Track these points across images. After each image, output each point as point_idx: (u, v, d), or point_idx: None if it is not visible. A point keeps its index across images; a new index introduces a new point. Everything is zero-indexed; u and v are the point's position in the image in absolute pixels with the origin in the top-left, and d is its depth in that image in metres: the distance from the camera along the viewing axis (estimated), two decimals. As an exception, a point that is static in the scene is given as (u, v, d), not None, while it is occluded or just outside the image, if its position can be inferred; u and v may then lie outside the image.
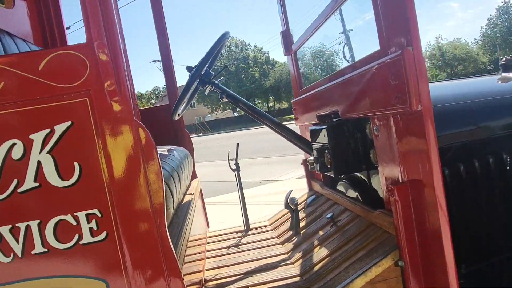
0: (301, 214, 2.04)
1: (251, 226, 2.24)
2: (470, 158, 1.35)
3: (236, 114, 60.38)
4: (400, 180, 1.20)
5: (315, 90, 1.91)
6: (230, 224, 3.94)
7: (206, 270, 1.69)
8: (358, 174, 1.79)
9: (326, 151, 1.64)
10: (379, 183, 1.54)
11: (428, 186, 1.07)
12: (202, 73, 1.89)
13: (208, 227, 2.49)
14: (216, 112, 59.11)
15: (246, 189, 6.86)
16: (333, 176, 1.66)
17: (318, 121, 1.89)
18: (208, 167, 10.99)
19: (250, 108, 1.95)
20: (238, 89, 50.86)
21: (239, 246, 1.94)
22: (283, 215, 2.17)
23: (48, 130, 0.89)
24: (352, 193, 1.76)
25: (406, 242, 1.16)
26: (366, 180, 1.70)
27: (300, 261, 1.56)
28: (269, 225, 2.22)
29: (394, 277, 1.21)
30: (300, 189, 4.56)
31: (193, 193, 1.91)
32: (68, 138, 0.90)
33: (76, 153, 0.91)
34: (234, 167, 2.20)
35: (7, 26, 1.80)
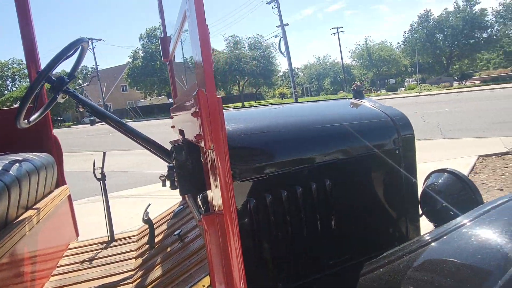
0: (164, 226, 2.03)
1: (118, 237, 2.19)
2: (293, 185, 1.44)
3: (171, 100, 58.65)
4: (212, 210, 1.24)
5: (178, 103, 1.90)
6: (138, 221, 3.86)
7: (43, 291, 1.61)
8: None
9: (174, 170, 1.64)
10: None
11: (227, 217, 1.12)
12: (55, 79, 1.77)
13: (77, 236, 2.38)
14: (150, 98, 56.88)
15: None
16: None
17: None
18: (132, 155, 10.59)
19: (111, 120, 1.88)
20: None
21: (93, 261, 1.88)
22: (146, 229, 2.15)
23: None
24: (201, 207, 1.79)
25: (214, 269, 1.21)
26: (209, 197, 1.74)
27: (139, 280, 1.55)
28: (136, 235, 2.19)
29: (204, 302, 1.25)
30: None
31: (41, 207, 1.80)
32: None
33: None
34: (99, 176, 2.12)
35: None
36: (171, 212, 2.20)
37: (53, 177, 2.11)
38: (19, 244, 1.46)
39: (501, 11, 47.23)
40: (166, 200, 5.03)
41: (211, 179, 1.19)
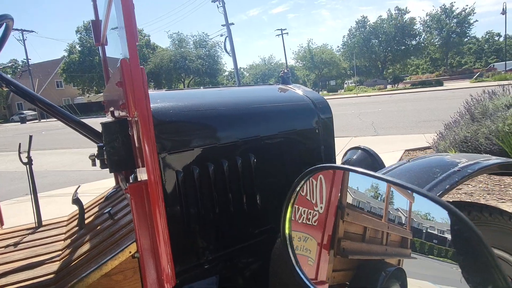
0: (95, 209, 2.02)
1: (45, 223, 2.13)
2: (220, 159, 1.53)
3: (111, 98, 55.89)
4: (138, 179, 1.29)
5: (108, 86, 1.90)
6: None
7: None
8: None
9: (104, 148, 1.66)
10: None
11: (152, 186, 1.18)
12: None
13: (2, 224, 2.27)
14: (88, 95, 53.79)
15: (106, 179, 6.43)
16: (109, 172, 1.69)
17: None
18: (67, 155, 10.01)
19: (40, 101, 1.83)
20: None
21: (18, 245, 1.82)
22: (76, 214, 2.12)
23: None
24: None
25: (140, 236, 1.26)
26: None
27: (67, 257, 1.55)
28: (66, 220, 2.14)
29: (131, 268, 1.30)
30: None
31: None
32: None
33: None
34: (25, 160, 2.04)
35: None
36: (103, 197, 2.19)
37: None
38: None
39: (428, 21, 51.66)
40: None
41: (137, 150, 1.25)
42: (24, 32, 46.98)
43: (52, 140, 14.60)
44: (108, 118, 2.29)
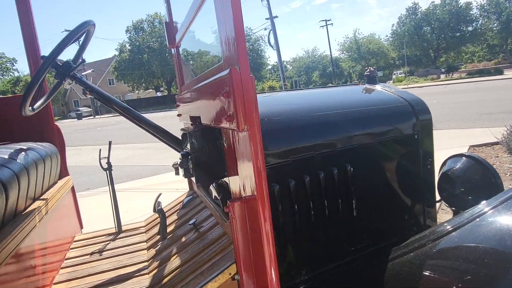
0: (174, 217, 1.98)
1: (125, 228, 2.13)
2: (316, 170, 1.40)
3: (159, 94, 57.93)
4: (238, 196, 1.19)
5: (188, 90, 1.83)
6: (134, 214, 3.77)
7: (54, 284, 1.55)
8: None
9: (189, 157, 1.59)
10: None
11: (259, 203, 1.07)
12: (60, 64, 1.69)
13: (81, 228, 2.31)
14: (137, 91, 56.09)
15: (160, 174, 6.58)
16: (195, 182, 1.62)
17: (191, 122, 1.83)
18: (122, 149, 10.43)
19: (121, 108, 1.81)
20: (162, 68, 48.79)
21: (103, 253, 1.82)
22: (157, 217, 2.09)
23: None
24: (217, 197, 1.75)
25: (241, 257, 1.16)
26: (228, 185, 1.70)
27: (155, 271, 1.50)
28: (144, 226, 2.13)
29: (230, 291, 1.21)
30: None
31: (48, 198, 1.72)
32: None
33: None
34: (106, 166, 2.04)
35: None
36: (179, 203, 2.15)
37: (57, 167, 2.04)
38: (29, 236, 1.40)
39: (485, 5, 47.92)
40: (157, 194, 4.94)
41: (240, 163, 1.14)
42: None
43: (106, 136, 15.32)
44: (183, 121, 2.24)
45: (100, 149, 2.05)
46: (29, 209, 1.50)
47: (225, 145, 1.30)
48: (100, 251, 1.84)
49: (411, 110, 1.68)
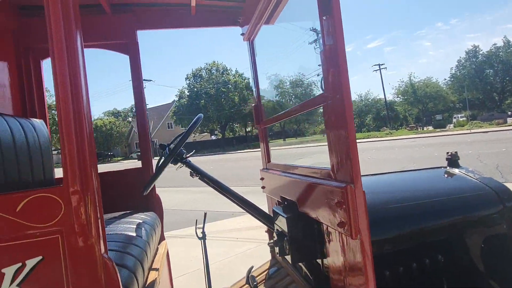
0: (261, 287, 2.13)
1: (214, 292, 2.31)
2: (409, 261, 1.50)
3: (213, 137, 60.39)
4: (344, 284, 1.33)
5: (279, 172, 2.05)
6: (198, 263, 3.96)
7: None
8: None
9: (285, 238, 1.76)
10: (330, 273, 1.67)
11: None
12: (178, 152, 2.01)
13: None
14: (193, 135, 58.88)
15: (218, 221, 6.78)
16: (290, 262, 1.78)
17: (281, 201, 2.02)
18: (183, 193, 10.94)
19: (222, 188, 2.07)
20: (218, 113, 51.18)
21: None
22: (243, 286, 2.25)
23: (19, 264, 0.97)
24: (308, 275, 1.88)
25: None
26: (320, 266, 1.82)
27: None
28: (232, 292, 2.29)
29: None
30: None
31: (158, 268, 1.97)
32: (38, 272, 0.98)
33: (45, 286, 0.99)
34: (201, 235, 2.28)
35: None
36: (264, 272, 2.30)
37: (159, 234, 2.31)
38: None
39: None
40: (218, 242, 5.10)
41: (342, 257, 1.29)
42: (144, 81, 54.47)
43: (165, 177, 16.15)
44: (267, 194, 2.44)
45: (196, 220, 2.30)
46: (149, 280, 1.75)
47: (328, 238, 1.46)
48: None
49: (497, 199, 1.73)
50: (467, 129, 33.40)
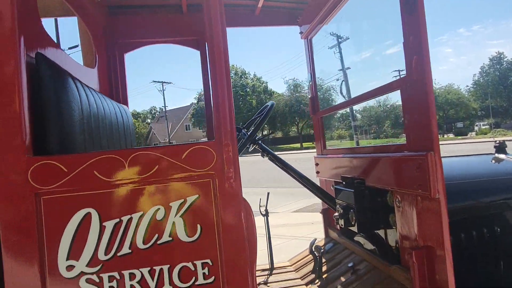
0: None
1: (275, 266, 2.55)
2: (471, 230, 1.71)
3: (231, 139, 60.80)
4: (417, 245, 1.54)
5: (341, 155, 2.28)
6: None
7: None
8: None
9: (351, 210, 1.99)
10: (394, 241, 1.89)
11: (440, 254, 1.41)
12: (249, 133, 2.28)
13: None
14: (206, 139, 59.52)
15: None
16: (356, 231, 2.01)
17: (341, 181, 2.26)
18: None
19: (286, 165, 2.32)
20: (235, 116, 51.62)
21: (268, 284, 2.25)
22: (304, 258, 2.49)
23: (182, 200, 1.24)
24: (369, 246, 2.10)
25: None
26: (383, 237, 2.04)
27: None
28: (291, 265, 2.53)
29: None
30: (296, 224, 4.97)
31: None
32: (195, 206, 1.25)
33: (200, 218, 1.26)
34: (264, 212, 2.53)
35: (91, 83, 2.16)
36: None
37: None
38: None
39: None
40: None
41: (415, 221, 1.51)
42: (164, 84, 55.53)
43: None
44: (321, 177, 2.67)
45: (260, 198, 2.55)
46: None
47: (397, 204, 1.68)
48: (265, 283, 2.27)
49: None
50: (490, 137, 32.75)
